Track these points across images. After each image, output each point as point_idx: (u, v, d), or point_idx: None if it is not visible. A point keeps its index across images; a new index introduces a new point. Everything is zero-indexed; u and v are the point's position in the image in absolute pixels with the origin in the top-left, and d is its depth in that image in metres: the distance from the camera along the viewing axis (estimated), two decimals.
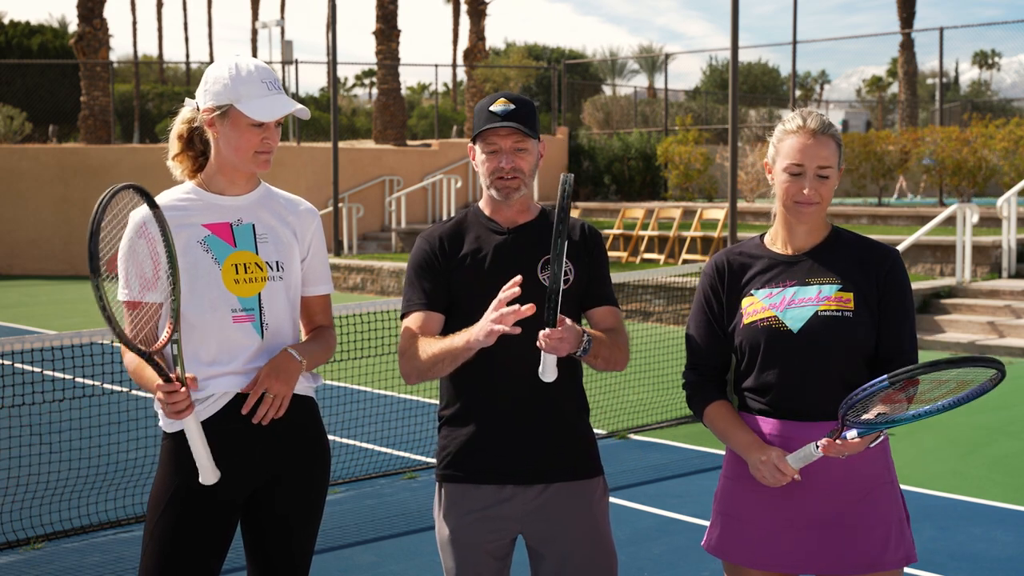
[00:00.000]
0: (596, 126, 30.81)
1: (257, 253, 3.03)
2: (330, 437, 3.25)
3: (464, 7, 29.96)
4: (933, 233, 13.82)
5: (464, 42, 38.05)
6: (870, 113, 45.42)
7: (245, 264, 3.01)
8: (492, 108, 2.99)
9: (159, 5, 61.92)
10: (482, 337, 2.79)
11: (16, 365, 6.64)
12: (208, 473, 2.89)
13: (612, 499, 5.25)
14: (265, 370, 2.98)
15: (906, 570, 5.11)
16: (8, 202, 21.86)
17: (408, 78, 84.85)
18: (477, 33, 29.15)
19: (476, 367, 2.96)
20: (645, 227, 18.17)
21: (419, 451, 7.46)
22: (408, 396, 9.13)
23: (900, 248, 12.57)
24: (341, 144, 23.11)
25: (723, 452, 3.11)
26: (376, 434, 7.79)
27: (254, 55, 27.92)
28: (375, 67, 29.18)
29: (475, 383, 3.03)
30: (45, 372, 6.93)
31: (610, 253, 12.26)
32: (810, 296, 2.91)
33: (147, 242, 2.93)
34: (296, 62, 25.12)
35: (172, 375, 2.84)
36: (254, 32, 58.83)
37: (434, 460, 3.35)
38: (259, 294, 3.01)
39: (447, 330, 3.01)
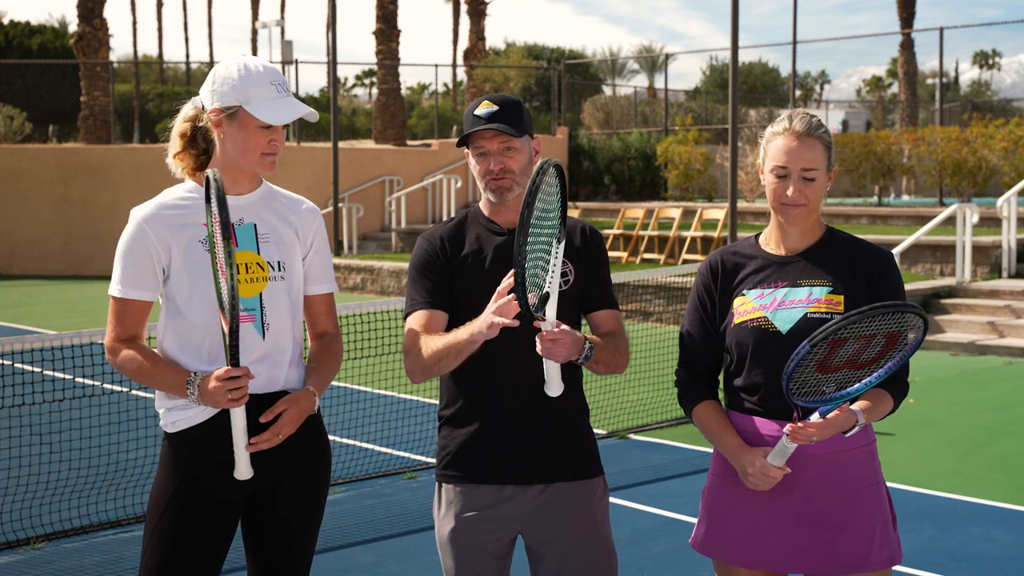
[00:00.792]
0: (596, 126, 30.79)
1: (259, 253, 3.02)
2: (330, 437, 3.24)
3: (464, 7, 29.99)
4: (933, 233, 13.82)
5: (464, 42, 38.10)
6: (870, 113, 45.39)
7: (246, 264, 2.99)
8: (476, 112, 3.00)
9: (159, 5, 61.92)
10: (484, 329, 2.80)
11: (16, 365, 6.65)
12: (244, 468, 2.90)
13: (612, 499, 5.25)
14: (292, 413, 2.96)
15: (906, 570, 5.12)
16: (8, 202, 21.84)
17: (408, 78, 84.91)
18: (477, 33, 29.18)
19: (476, 367, 2.96)
20: (645, 227, 18.17)
21: (419, 451, 7.46)
22: (408, 396, 9.13)
23: (900, 248, 12.57)
24: (341, 144, 23.12)
25: None
26: (376, 434, 7.79)
27: (254, 55, 27.87)
28: (375, 67, 29.20)
29: (475, 383, 3.03)
30: (45, 372, 6.94)
31: (610, 253, 12.24)
32: (800, 298, 2.92)
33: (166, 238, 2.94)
34: (296, 62, 25.09)
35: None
36: (254, 32, 58.80)
37: (434, 460, 3.35)
38: (260, 294, 3.00)
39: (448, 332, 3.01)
